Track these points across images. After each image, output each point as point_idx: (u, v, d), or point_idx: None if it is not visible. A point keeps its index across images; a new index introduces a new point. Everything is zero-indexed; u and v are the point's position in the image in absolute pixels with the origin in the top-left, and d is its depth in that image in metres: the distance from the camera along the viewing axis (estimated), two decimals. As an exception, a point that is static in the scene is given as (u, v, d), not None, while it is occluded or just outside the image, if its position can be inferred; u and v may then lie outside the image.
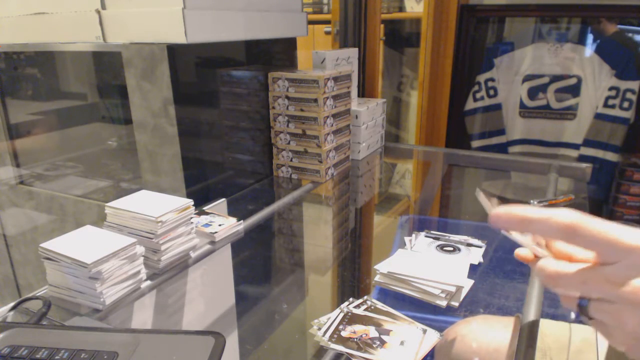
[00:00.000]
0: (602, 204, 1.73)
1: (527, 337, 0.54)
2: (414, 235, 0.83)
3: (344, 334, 0.56)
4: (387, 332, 0.56)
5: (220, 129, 1.01)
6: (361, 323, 0.58)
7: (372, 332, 0.57)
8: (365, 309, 0.61)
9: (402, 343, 0.55)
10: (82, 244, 0.61)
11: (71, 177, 1.18)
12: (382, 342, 0.55)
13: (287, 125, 1.10)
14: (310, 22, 1.24)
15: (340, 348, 0.54)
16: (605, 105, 1.61)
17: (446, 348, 0.67)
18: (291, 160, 1.13)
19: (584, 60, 1.64)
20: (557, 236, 0.32)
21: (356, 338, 0.55)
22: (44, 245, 0.60)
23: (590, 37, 1.63)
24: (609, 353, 0.61)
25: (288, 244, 0.89)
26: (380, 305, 0.62)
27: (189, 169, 0.92)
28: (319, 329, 0.57)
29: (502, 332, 0.62)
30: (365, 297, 0.64)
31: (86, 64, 1.08)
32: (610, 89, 1.60)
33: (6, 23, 1.03)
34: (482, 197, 0.39)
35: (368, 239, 0.97)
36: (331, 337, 0.56)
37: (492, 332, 0.65)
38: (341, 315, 0.60)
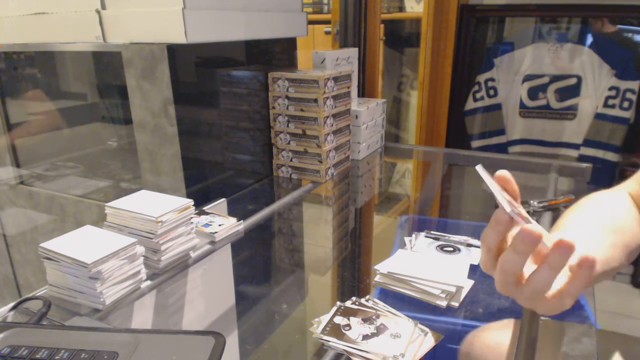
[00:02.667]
0: (602, 204, 1.73)
1: (527, 337, 0.54)
2: (414, 235, 0.83)
3: (337, 320, 0.58)
4: (381, 325, 0.57)
5: (220, 129, 1.01)
6: (354, 315, 0.59)
7: (366, 323, 0.58)
8: (364, 307, 0.61)
9: (395, 336, 0.55)
10: (82, 244, 0.61)
11: (71, 177, 1.18)
12: (375, 334, 0.55)
13: (287, 125, 1.10)
14: (310, 22, 1.24)
15: (332, 340, 0.54)
16: (605, 105, 1.61)
17: (469, 355, 0.66)
18: (291, 160, 1.13)
19: (584, 60, 1.64)
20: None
21: (346, 325, 0.57)
22: (44, 245, 0.60)
23: (590, 37, 1.63)
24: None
25: (288, 244, 0.89)
26: (381, 305, 0.62)
27: (189, 169, 0.92)
28: (318, 327, 0.57)
29: None
30: (368, 297, 0.64)
31: (86, 64, 1.08)
32: (610, 88, 1.60)
33: (6, 23, 1.03)
34: (482, 172, 0.40)
35: (368, 239, 0.97)
36: (324, 329, 0.56)
37: (515, 337, 0.65)
38: (335, 308, 0.61)
